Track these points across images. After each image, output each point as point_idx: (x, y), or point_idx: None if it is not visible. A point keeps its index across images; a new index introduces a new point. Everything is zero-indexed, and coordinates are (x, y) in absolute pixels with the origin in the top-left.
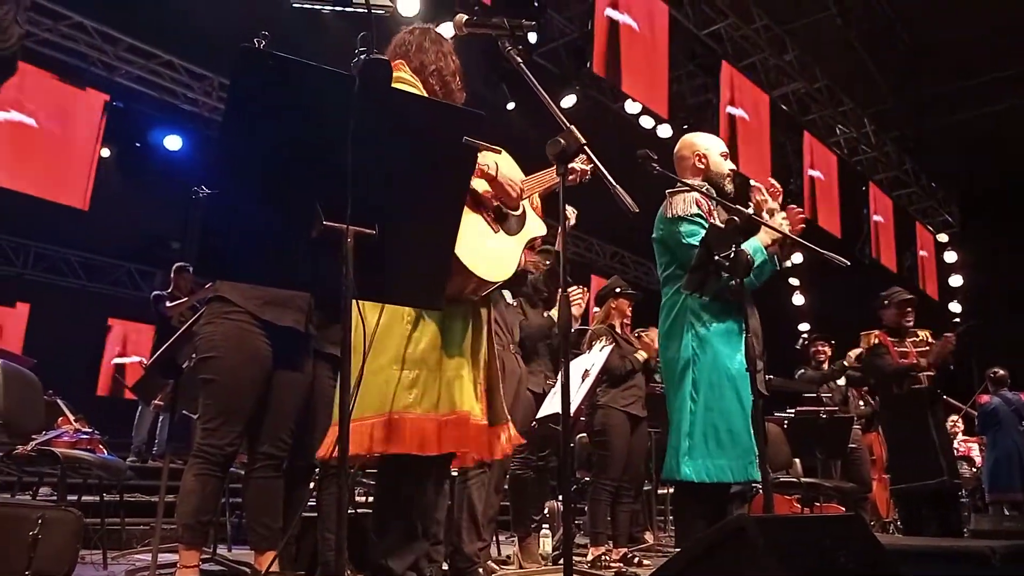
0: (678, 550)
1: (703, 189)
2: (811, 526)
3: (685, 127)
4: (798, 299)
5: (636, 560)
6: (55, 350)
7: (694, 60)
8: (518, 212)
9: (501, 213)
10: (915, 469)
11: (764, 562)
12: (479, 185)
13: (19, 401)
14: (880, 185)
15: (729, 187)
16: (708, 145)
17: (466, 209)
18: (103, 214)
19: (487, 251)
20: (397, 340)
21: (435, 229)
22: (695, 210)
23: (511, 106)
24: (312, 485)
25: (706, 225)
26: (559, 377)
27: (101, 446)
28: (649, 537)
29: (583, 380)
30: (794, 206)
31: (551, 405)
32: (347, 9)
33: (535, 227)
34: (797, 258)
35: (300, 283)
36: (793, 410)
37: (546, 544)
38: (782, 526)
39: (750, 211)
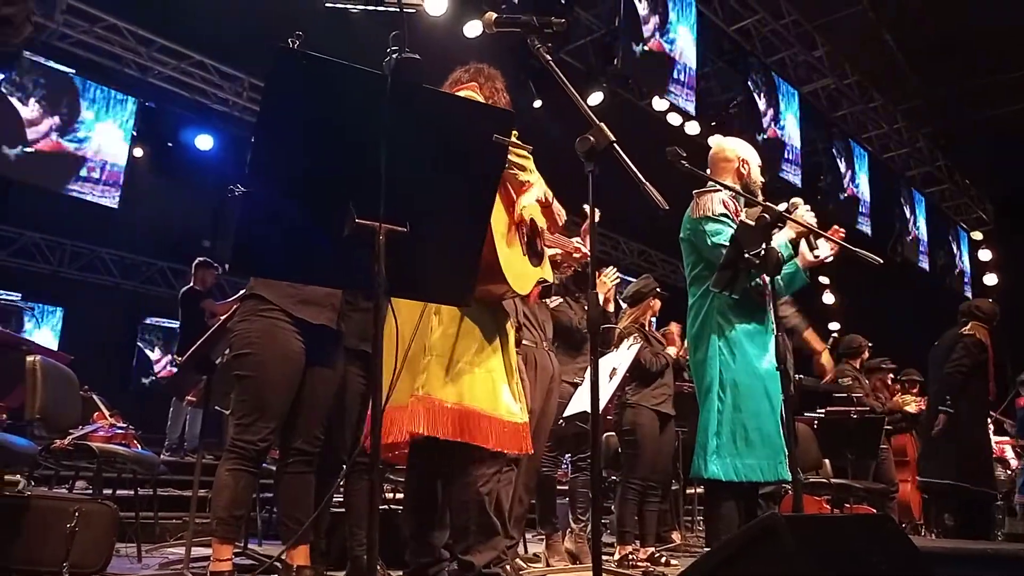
0: (707, 550)
1: (733, 190)
2: (843, 526)
3: (713, 124)
4: (828, 298)
5: (663, 560)
6: (90, 347)
7: (723, 56)
8: (538, 249)
9: (532, 245)
10: (989, 471)
11: (796, 562)
12: (531, 206)
13: (57, 397)
14: (912, 182)
15: (760, 198)
16: (751, 155)
17: (514, 230)
18: (136, 213)
19: (520, 266)
20: (419, 330)
21: (465, 226)
22: (722, 210)
23: (538, 104)
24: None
25: (733, 225)
26: (587, 375)
27: (135, 441)
28: (677, 537)
29: (610, 378)
30: (836, 226)
31: (578, 403)
32: (379, 8)
33: (547, 272)
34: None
35: (332, 280)
36: (823, 410)
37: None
38: (814, 526)
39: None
